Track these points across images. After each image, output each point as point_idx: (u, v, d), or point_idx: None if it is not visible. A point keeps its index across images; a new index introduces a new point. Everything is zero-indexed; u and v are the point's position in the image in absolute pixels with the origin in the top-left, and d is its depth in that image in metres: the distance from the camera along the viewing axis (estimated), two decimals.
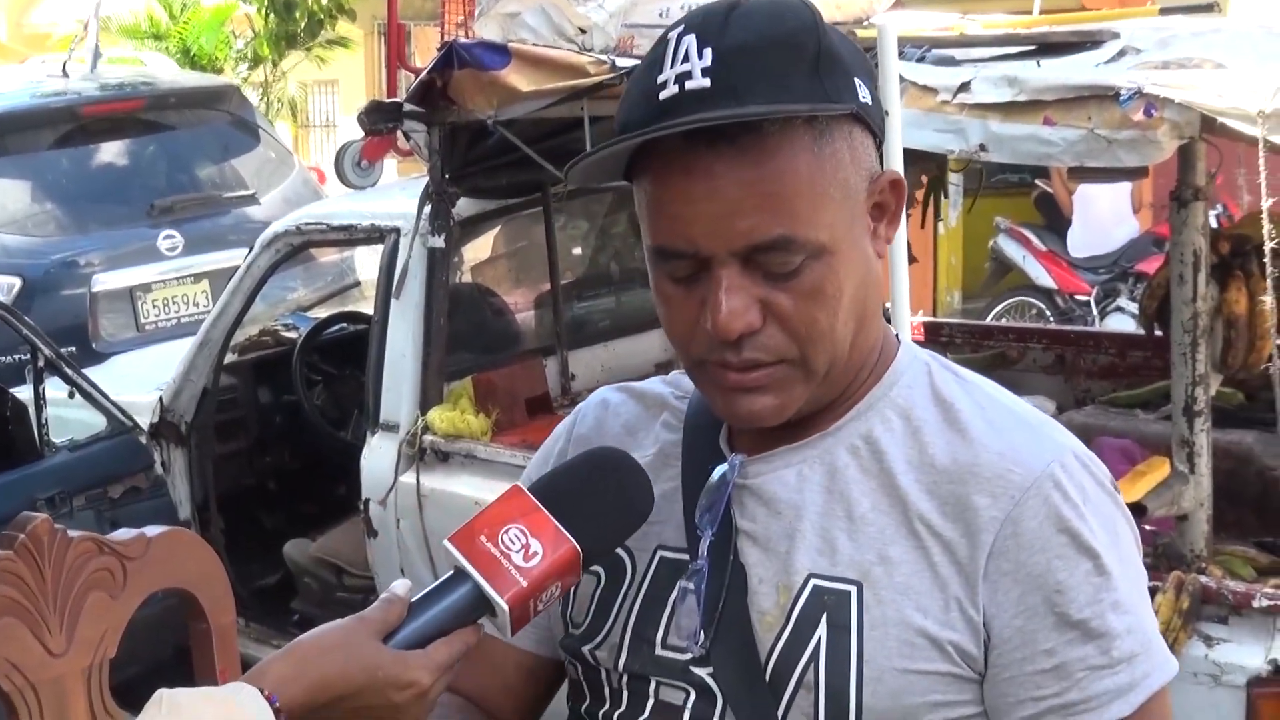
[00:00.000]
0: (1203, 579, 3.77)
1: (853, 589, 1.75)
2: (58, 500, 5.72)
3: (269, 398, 6.80)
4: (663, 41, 1.69)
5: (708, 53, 1.64)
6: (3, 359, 7.56)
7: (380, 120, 5.55)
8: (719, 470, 1.82)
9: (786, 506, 1.81)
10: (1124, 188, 11.82)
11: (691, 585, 1.80)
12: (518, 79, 4.93)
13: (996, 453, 1.75)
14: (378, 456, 5.58)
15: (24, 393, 6.23)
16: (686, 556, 1.83)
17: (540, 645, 1.98)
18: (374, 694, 1.68)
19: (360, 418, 6.18)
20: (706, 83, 1.64)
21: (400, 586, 1.76)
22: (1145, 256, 11.22)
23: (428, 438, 5.42)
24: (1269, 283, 3.84)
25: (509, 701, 2.02)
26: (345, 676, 1.68)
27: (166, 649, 3.89)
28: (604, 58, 4.87)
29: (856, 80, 1.72)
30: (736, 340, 1.69)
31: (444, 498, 5.34)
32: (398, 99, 5.58)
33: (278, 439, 6.82)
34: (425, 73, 5.26)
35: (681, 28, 1.68)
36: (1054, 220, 12.24)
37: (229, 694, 1.63)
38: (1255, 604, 3.69)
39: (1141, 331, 5.53)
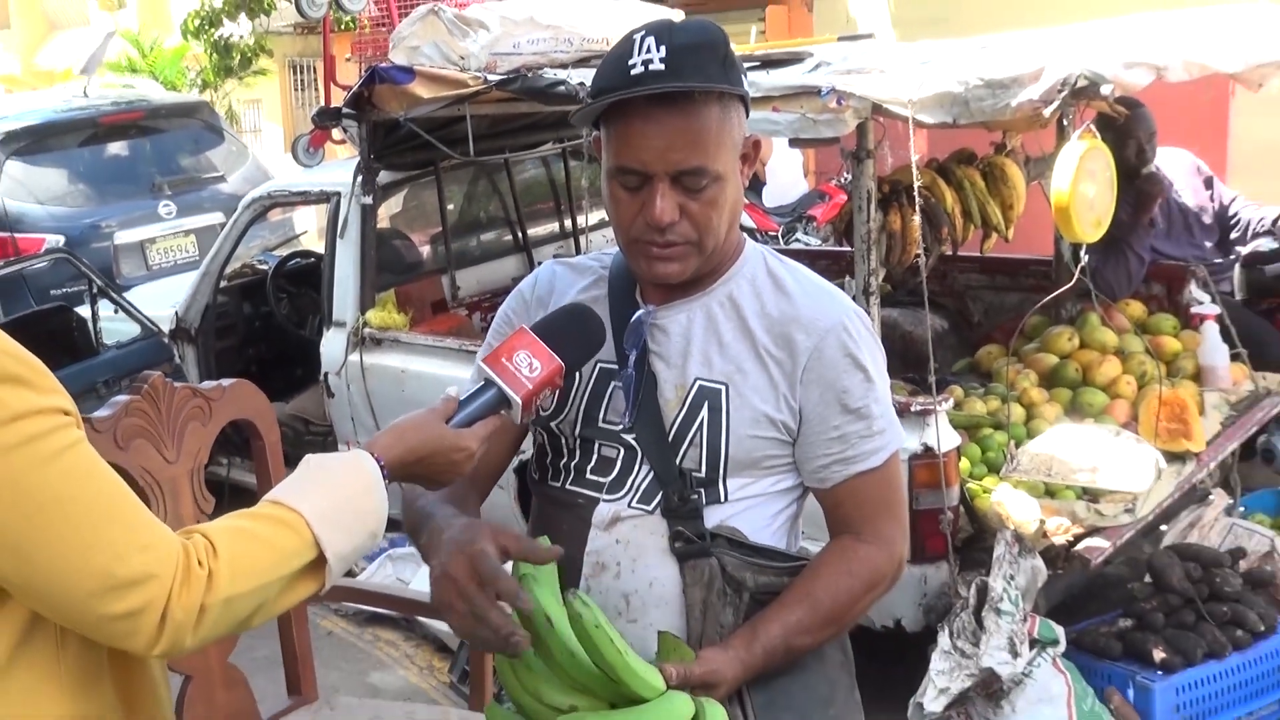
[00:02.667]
0: None
1: (723, 387, 1.88)
2: (110, 383, 5.64)
3: (251, 310, 6.67)
4: (629, 40, 1.79)
5: (663, 48, 1.75)
6: (60, 290, 7.40)
7: (327, 119, 5.51)
8: (638, 314, 1.92)
9: (680, 337, 1.92)
10: (797, 162, 12.00)
11: (621, 384, 1.91)
12: (420, 89, 4.90)
13: (809, 307, 1.90)
14: (333, 343, 5.57)
15: (82, 311, 6.14)
16: (616, 366, 1.92)
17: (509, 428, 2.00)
18: (441, 455, 1.76)
19: (314, 321, 6.16)
20: (662, 67, 1.74)
21: (452, 390, 1.83)
22: (812, 205, 11.41)
23: (366, 329, 5.41)
24: (915, 210, 3.98)
25: (492, 452, 1.98)
26: (424, 443, 1.75)
27: None
28: (478, 74, 4.83)
29: (743, 76, 1.84)
30: (663, 228, 1.80)
31: (379, 369, 5.37)
32: (337, 105, 5.51)
33: (257, 337, 6.70)
34: (356, 87, 5.20)
35: (644, 31, 1.77)
36: (753, 184, 12.37)
37: (352, 455, 1.71)
38: (912, 409, 3.85)
39: (819, 248, 5.65)
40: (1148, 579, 4.05)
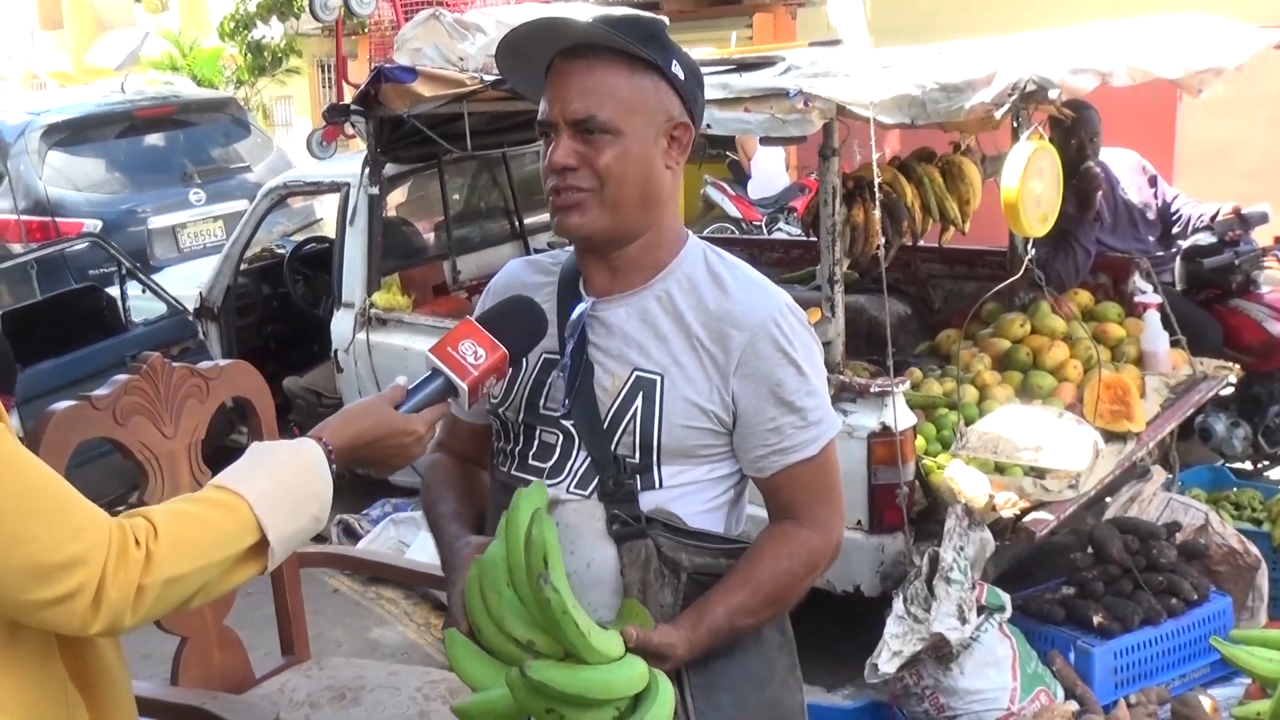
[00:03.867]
0: (840, 377, 3.83)
1: (658, 378, 1.78)
2: (138, 358, 5.57)
3: (269, 290, 6.59)
4: None
5: (591, 19, 1.74)
6: (97, 270, 7.29)
7: (337, 115, 5.40)
8: (579, 307, 1.83)
9: (618, 329, 1.82)
10: (780, 157, 11.91)
11: (561, 372, 1.82)
12: (422, 88, 4.80)
13: (743, 304, 1.80)
14: (342, 323, 5.50)
15: (112, 291, 6.06)
16: (558, 356, 1.84)
17: (482, 418, 1.97)
18: (391, 438, 1.70)
19: (327, 302, 6.07)
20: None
21: (401, 379, 1.77)
22: (793, 197, 11.31)
23: (373, 310, 5.35)
24: (876, 204, 3.90)
25: (474, 447, 2.02)
26: (373, 427, 1.69)
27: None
28: (475, 75, 4.74)
29: (674, 61, 1.77)
30: (562, 170, 1.73)
31: (384, 346, 5.30)
32: (346, 103, 5.42)
33: (275, 316, 6.62)
34: (364, 85, 5.10)
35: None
36: (739, 177, 12.25)
37: (298, 442, 1.64)
38: (871, 390, 3.79)
39: (796, 238, 5.59)
40: (1089, 550, 3.98)
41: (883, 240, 4.02)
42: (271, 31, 17.50)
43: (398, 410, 1.72)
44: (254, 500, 1.52)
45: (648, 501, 1.79)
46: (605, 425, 1.79)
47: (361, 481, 5.73)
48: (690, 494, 1.81)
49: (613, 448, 1.78)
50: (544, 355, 1.86)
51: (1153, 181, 5.52)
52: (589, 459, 1.80)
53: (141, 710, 2.45)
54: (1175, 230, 5.49)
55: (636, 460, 1.78)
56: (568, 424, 1.82)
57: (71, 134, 8.72)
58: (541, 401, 1.85)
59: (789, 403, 1.79)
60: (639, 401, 1.78)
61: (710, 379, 1.78)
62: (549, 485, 1.81)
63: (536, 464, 1.85)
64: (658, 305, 1.82)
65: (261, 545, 1.53)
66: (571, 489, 1.81)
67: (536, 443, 1.86)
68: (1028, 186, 3.66)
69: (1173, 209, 5.51)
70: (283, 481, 1.57)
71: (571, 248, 1.92)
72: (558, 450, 1.83)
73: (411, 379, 1.77)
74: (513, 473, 1.88)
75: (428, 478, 2.02)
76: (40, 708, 1.48)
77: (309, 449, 1.63)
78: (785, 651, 1.92)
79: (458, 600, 1.75)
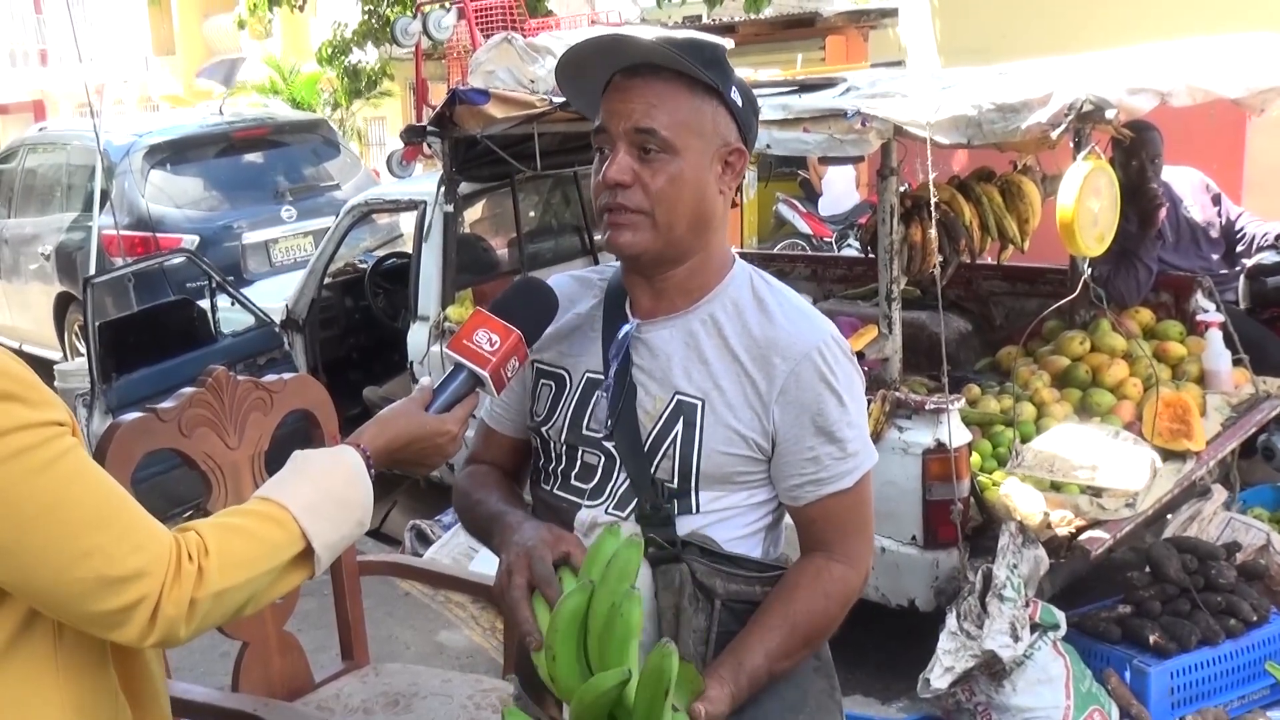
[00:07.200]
0: (896, 394, 3.77)
1: (699, 402, 1.72)
2: (227, 368, 5.62)
3: (351, 303, 6.62)
4: None
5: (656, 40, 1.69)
6: (194, 283, 7.37)
7: (414, 136, 5.42)
8: (624, 328, 1.77)
9: (662, 352, 1.76)
10: (851, 176, 11.77)
11: (604, 393, 1.76)
12: (495, 110, 4.79)
13: (788, 332, 1.73)
14: (417, 335, 5.50)
15: (204, 303, 6.11)
16: (602, 376, 1.77)
17: (519, 432, 1.92)
18: (425, 439, 1.69)
19: (406, 314, 6.11)
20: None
21: (426, 380, 1.74)
22: (863, 215, 11.13)
23: (446, 323, 5.33)
24: (933, 224, 3.81)
25: (511, 460, 1.96)
26: (408, 430, 1.68)
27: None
28: (545, 96, 4.72)
29: (734, 88, 1.72)
30: (615, 187, 1.68)
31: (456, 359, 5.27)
32: (424, 124, 5.43)
33: (356, 328, 6.65)
34: (440, 107, 5.12)
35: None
36: (810, 194, 12.14)
37: (336, 450, 1.63)
38: (927, 407, 3.70)
39: (860, 255, 5.49)
40: (1147, 569, 3.83)
41: (939, 259, 3.91)
42: (366, 56, 17.69)
43: (428, 411, 1.69)
44: (298, 510, 1.51)
45: (684, 526, 1.72)
46: (646, 448, 1.73)
47: (435, 488, 5.72)
48: (727, 519, 1.74)
49: (652, 471, 1.72)
50: (588, 375, 1.80)
51: (1216, 200, 5.34)
52: (628, 481, 1.74)
53: (196, 715, 2.45)
54: (1239, 249, 5.30)
55: (675, 485, 1.71)
56: (609, 445, 1.76)
57: (172, 154, 8.82)
58: (585, 422, 1.79)
59: (829, 433, 1.71)
60: (679, 426, 1.71)
61: (751, 405, 1.71)
62: (589, 507, 1.76)
63: (578, 484, 1.79)
64: (702, 329, 1.76)
65: (307, 553, 1.52)
66: (610, 510, 1.74)
67: (579, 463, 1.80)
68: (1084, 206, 3.53)
69: (1237, 227, 5.32)
70: (325, 490, 1.55)
71: (619, 264, 1.86)
72: (599, 471, 1.77)
73: (436, 379, 1.74)
74: (555, 492, 1.82)
75: (463, 484, 1.94)
76: (94, 713, 1.48)
77: (348, 456, 1.61)
78: (822, 675, 1.83)
79: (501, 575, 1.65)
